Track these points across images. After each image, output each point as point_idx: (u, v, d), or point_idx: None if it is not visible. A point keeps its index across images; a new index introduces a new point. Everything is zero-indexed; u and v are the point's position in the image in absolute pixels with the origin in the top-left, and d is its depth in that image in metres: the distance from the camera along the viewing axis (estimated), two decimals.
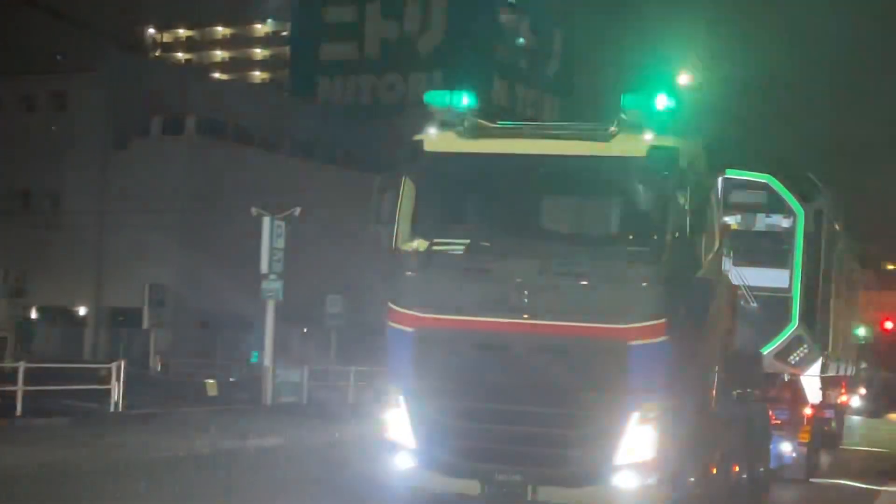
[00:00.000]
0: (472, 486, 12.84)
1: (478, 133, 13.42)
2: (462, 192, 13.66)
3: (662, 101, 12.77)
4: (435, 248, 13.08)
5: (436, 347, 12.96)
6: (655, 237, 12.48)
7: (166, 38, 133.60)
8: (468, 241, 13.06)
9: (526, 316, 12.60)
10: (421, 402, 13.00)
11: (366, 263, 14.15)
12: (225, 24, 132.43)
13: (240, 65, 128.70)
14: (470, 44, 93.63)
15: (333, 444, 26.94)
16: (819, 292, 19.88)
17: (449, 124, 13.38)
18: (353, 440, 25.88)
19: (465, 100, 13.40)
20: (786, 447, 20.53)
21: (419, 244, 13.13)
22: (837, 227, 21.82)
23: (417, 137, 13.41)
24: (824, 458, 26.01)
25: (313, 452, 24.88)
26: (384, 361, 13.55)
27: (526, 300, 12.55)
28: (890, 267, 62.93)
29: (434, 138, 13.35)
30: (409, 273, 13.05)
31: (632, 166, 12.67)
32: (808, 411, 21.46)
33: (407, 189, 13.23)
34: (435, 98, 13.45)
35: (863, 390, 43.93)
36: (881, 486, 22.89)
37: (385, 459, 13.29)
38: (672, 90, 13.20)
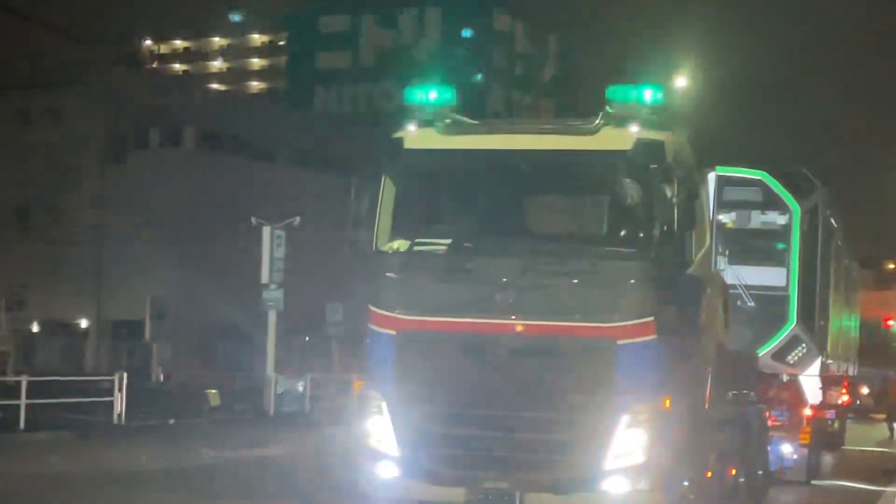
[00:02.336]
0: (458, 495, 12.40)
1: (459, 129, 13.05)
2: (443, 189, 13.24)
3: (648, 94, 12.44)
4: (416, 247, 12.72)
5: (418, 350, 12.55)
6: (642, 233, 12.16)
7: (163, 49, 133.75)
8: (450, 240, 12.67)
9: (512, 317, 12.25)
10: (403, 407, 12.58)
11: (347, 266, 13.81)
12: (221, 36, 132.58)
13: (237, 75, 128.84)
14: (465, 50, 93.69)
15: (330, 453, 26.92)
16: (817, 290, 19.77)
17: (429, 121, 12.98)
18: (352, 449, 25.85)
19: (445, 96, 13.01)
20: (786, 449, 20.32)
21: (400, 244, 12.77)
22: (834, 224, 21.69)
23: (397, 134, 13.02)
24: (826, 460, 25.87)
25: (308, 462, 24.81)
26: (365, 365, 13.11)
27: (510, 300, 12.19)
28: (892, 266, 62.87)
29: (414, 135, 12.95)
30: (390, 274, 12.66)
31: (617, 160, 12.31)
32: (807, 412, 21.27)
33: (387, 188, 12.88)
34: (414, 95, 13.05)
35: (865, 390, 43.84)
36: (885, 486, 22.86)
37: (367, 468, 12.85)
38: (658, 84, 12.96)
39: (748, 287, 17.59)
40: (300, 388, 39.49)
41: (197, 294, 60.72)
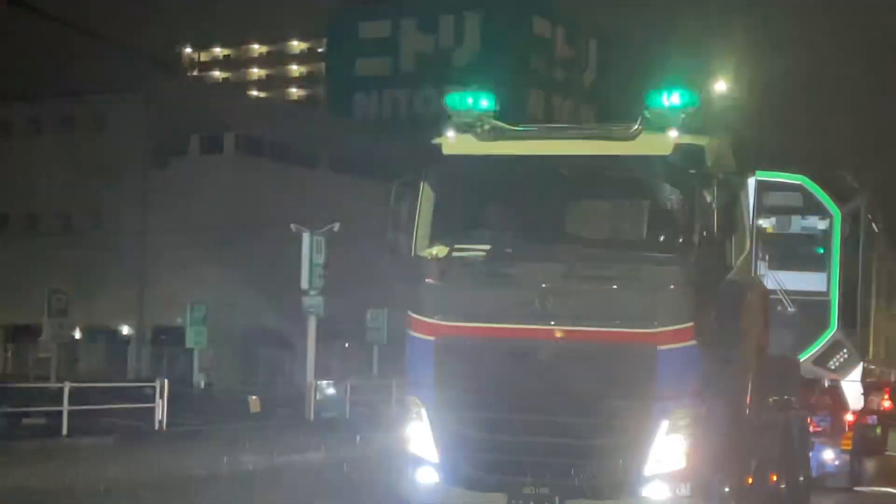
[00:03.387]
0: (498, 500, 12.43)
1: (497, 135, 13.01)
2: (482, 195, 13.21)
3: (687, 99, 12.37)
4: (455, 253, 12.69)
5: (457, 356, 12.57)
6: (682, 238, 12.12)
7: (203, 57, 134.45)
8: (489, 245, 12.65)
9: (552, 322, 12.26)
10: (443, 413, 12.62)
11: (386, 272, 13.83)
12: (261, 43, 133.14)
13: (276, 82, 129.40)
14: (505, 56, 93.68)
15: (370, 458, 26.94)
16: (858, 295, 19.62)
17: (468, 126, 12.96)
18: (391, 454, 25.88)
19: (485, 102, 12.99)
20: (828, 455, 20.16)
21: (439, 250, 12.74)
22: (875, 228, 21.54)
23: (436, 140, 13.04)
24: (869, 466, 25.71)
25: (348, 468, 24.85)
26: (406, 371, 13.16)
27: (550, 306, 12.20)
28: None
29: (453, 141, 12.95)
30: (429, 280, 12.69)
31: (657, 165, 12.30)
32: (849, 418, 21.14)
33: (426, 194, 12.90)
34: (454, 100, 13.02)
35: None
36: None
37: (407, 474, 12.91)
38: (697, 88, 12.93)
39: (788, 292, 17.47)
40: (340, 394, 39.61)
41: (238, 300, 60.95)
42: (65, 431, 28.28)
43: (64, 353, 61.70)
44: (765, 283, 15.59)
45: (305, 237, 40.67)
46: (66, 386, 29.56)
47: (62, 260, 66.45)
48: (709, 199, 12.04)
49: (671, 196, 12.29)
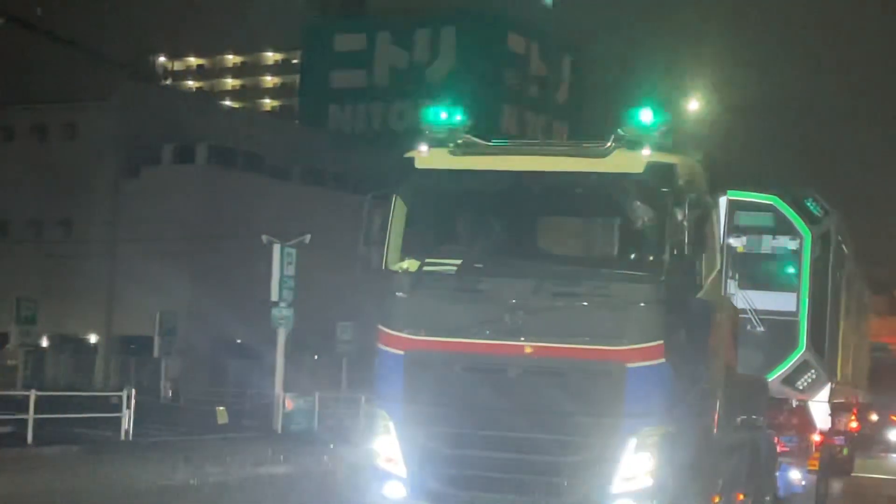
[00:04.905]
0: None
1: (470, 150, 13.02)
2: (454, 210, 13.26)
3: (660, 118, 12.41)
4: (426, 267, 12.69)
5: (427, 371, 12.53)
6: (653, 256, 12.13)
7: (177, 66, 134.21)
8: (460, 260, 12.66)
9: (522, 338, 12.22)
10: (411, 427, 12.57)
11: (357, 286, 13.81)
12: (235, 53, 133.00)
13: (250, 93, 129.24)
14: (479, 71, 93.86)
15: (338, 472, 26.88)
16: (827, 316, 19.70)
17: (441, 141, 12.97)
18: (360, 467, 25.83)
19: (458, 117, 13.02)
20: (795, 475, 20.21)
21: (410, 264, 12.73)
22: (845, 250, 21.64)
23: (409, 154, 13.01)
24: (835, 486, 25.81)
25: (315, 481, 24.79)
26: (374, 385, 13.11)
27: (520, 322, 12.17)
28: None
29: (426, 155, 12.93)
30: (400, 294, 12.62)
31: (629, 183, 12.28)
32: (816, 438, 21.21)
33: (398, 207, 12.88)
34: (428, 115, 13.04)
35: (875, 416, 43.63)
36: None
37: (374, 488, 12.84)
38: (671, 107, 12.99)
39: (758, 312, 17.52)
40: (309, 406, 39.51)
41: (207, 311, 60.77)
42: (30, 440, 28.09)
43: (31, 361, 61.37)
44: (735, 303, 15.63)
45: (276, 249, 40.59)
46: (32, 394, 29.38)
47: (31, 268, 66.15)
48: (680, 217, 12.03)
49: (642, 214, 12.27)
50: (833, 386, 20.24)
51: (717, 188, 13.97)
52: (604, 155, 12.57)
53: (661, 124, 12.47)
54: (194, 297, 61.65)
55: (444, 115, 13.07)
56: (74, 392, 38.80)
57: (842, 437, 25.67)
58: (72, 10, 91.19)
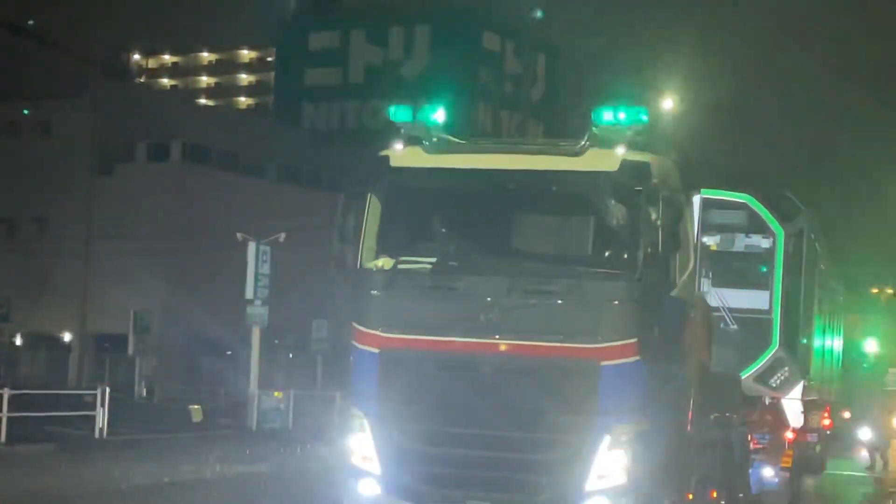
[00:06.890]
0: None
1: (445, 148, 13.06)
2: (429, 208, 13.22)
3: (634, 116, 12.42)
4: (401, 266, 12.70)
5: (401, 369, 12.55)
6: (627, 254, 12.15)
7: (152, 63, 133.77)
8: (435, 258, 12.67)
9: (496, 336, 12.25)
10: (386, 425, 12.59)
11: (332, 284, 13.83)
12: (210, 50, 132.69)
13: (225, 90, 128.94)
14: (454, 69, 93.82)
15: (312, 470, 26.87)
16: (800, 314, 19.78)
17: (416, 139, 13.00)
18: (335, 466, 25.84)
19: (433, 115, 12.99)
20: (768, 472, 20.25)
21: (384, 262, 12.75)
22: (818, 248, 21.73)
23: (383, 152, 13.03)
24: (808, 483, 25.92)
25: (290, 479, 24.78)
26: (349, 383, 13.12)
27: (494, 319, 12.19)
28: (874, 291, 63.01)
29: (400, 153, 12.97)
30: (374, 292, 12.66)
31: (603, 181, 12.30)
32: (789, 435, 21.28)
33: (372, 205, 12.90)
34: (401, 113, 13.03)
35: (847, 414, 43.82)
36: None
37: (349, 486, 12.85)
38: (644, 106, 12.96)
39: (732, 310, 17.57)
40: (283, 404, 39.49)
41: (182, 309, 60.63)
42: (3, 439, 28.00)
43: (4, 359, 61.12)
44: (708, 301, 15.67)
45: (251, 246, 40.55)
46: (6, 392, 29.27)
47: (5, 265, 65.87)
48: (654, 215, 12.06)
49: (616, 212, 12.30)
50: (806, 384, 20.32)
51: (691, 186, 14.00)
52: (578, 153, 12.63)
53: (635, 123, 12.49)
54: (169, 295, 61.49)
55: (419, 113, 13.05)
56: (48, 390, 38.62)
57: (815, 435, 25.79)
58: (46, 7, 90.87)
